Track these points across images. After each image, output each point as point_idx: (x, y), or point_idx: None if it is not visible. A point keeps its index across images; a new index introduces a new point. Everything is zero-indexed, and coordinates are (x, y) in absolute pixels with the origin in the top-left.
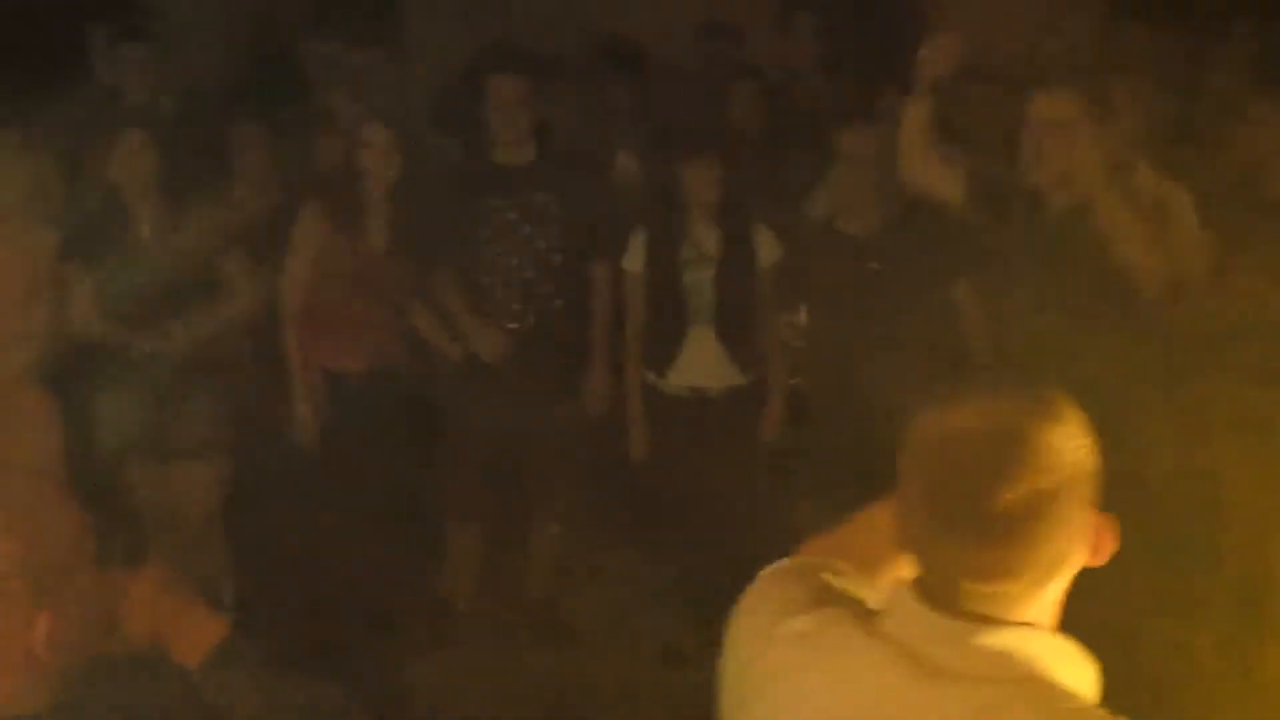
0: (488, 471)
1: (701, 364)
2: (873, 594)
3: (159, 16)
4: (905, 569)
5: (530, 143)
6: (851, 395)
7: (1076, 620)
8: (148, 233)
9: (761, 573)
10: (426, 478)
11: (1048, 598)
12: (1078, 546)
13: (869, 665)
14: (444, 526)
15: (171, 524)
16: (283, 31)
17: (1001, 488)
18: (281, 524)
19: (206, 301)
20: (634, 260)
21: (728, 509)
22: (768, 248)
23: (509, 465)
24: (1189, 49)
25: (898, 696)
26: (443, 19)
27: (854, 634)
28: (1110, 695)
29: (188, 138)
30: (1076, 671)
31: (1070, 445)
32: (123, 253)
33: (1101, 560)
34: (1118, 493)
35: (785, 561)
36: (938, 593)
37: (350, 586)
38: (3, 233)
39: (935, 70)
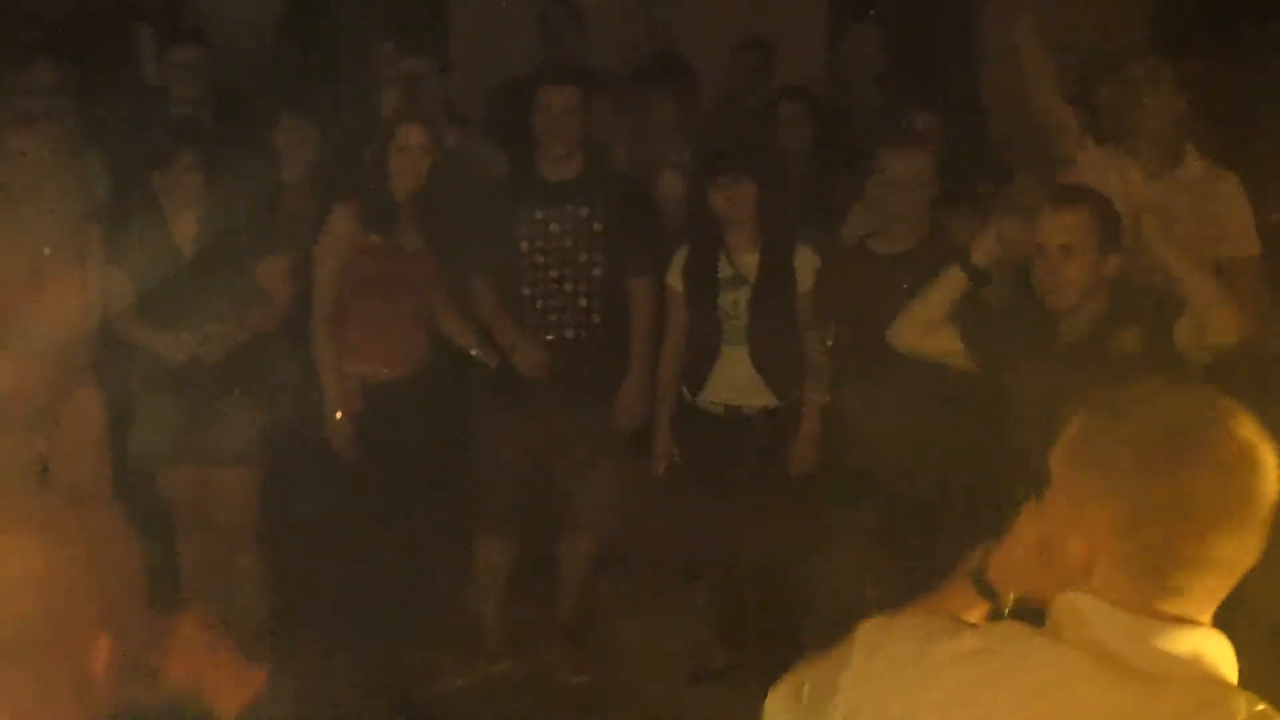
0: (518, 485)
1: (734, 383)
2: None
3: (209, 17)
4: None
5: (578, 156)
6: (880, 415)
7: None
8: (187, 239)
9: (862, 625)
10: (457, 489)
11: (1220, 597)
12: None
13: (1057, 674)
14: (473, 540)
15: (204, 532)
16: (333, 35)
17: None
18: (313, 532)
19: (244, 305)
20: (676, 277)
21: (758, 528)
22: (807, 271)
23: (540, 480)
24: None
25: (1093, 702)
26: (489, 32)
27: (1033, 644)
28: None
29: (231, 140)
30: (1234, 673)
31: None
32: (161, 256)
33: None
34: None
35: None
36: (1129, 594)
37: (383, 597)
38: (46, 230)
39: (988, 255)
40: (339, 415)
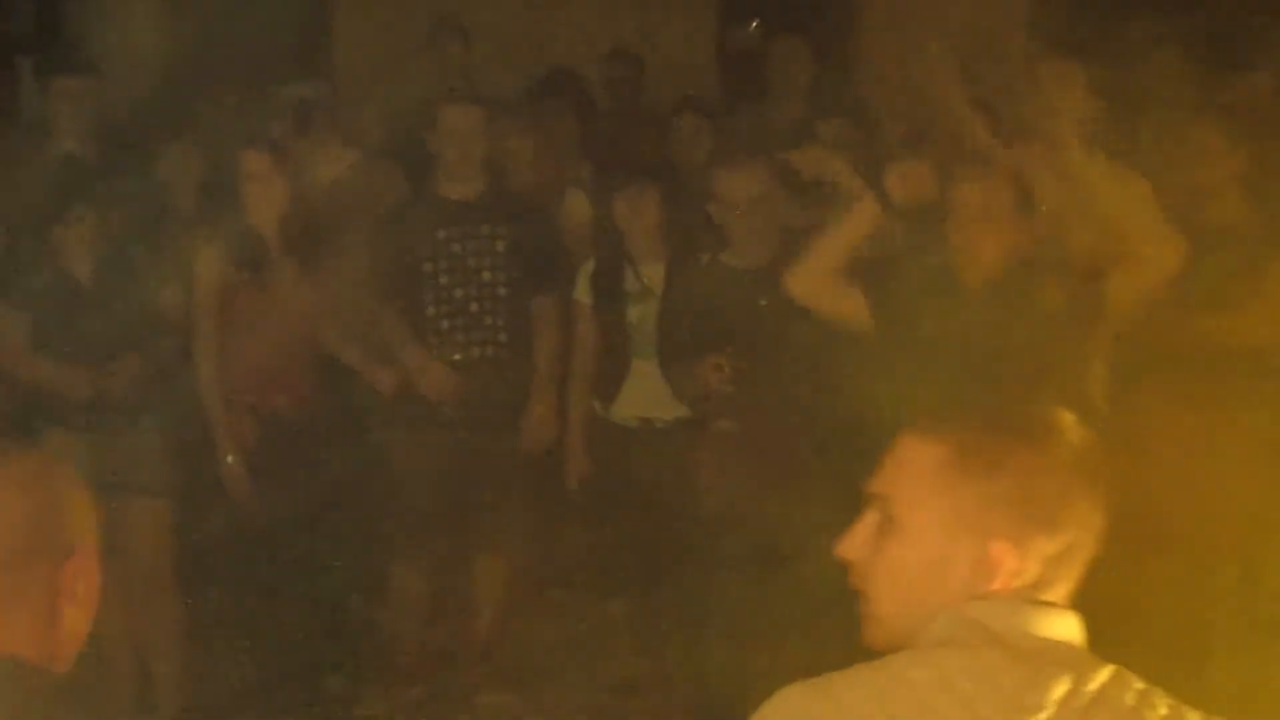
0: (430, 509)
1: (647, 396)
2: None
3: (94, 48)
4: None
5: (479, 175)
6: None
7: None
8: (85, 274)
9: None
10: (367, 516)
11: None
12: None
13: (976, 681)
14: (386, 566)
15: (115, 566)
16: (218, 64)
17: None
18: (227, 561)
19: (147, 338)
20: (583, 292)
21: (676, 538)
22: None
23: (450, 501)
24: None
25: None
26: (377, 55)
27: (940, 655)
28: None
29: (122, 172)
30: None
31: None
32: (59, 293)
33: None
34: None
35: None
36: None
37: (298, 629)
38: None
39: (899, 195)
40: (230, 458)
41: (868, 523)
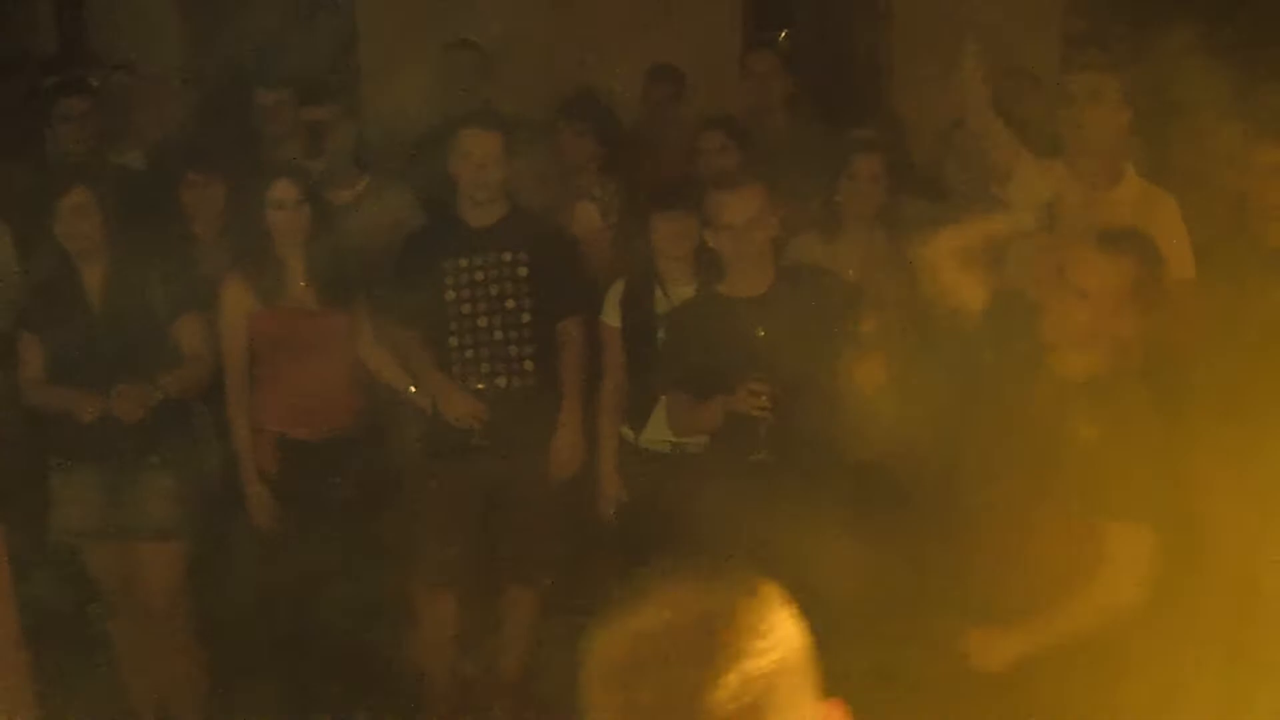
0: (457, 538)
1: None
2: None
3: (122, 69)
4: None
5: (500, 201)
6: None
7: None
8: (98, 295)
9: None
10: (394, 546)
11: None
12: None
13: None
14: (416, 598)
15: (132, 608)
16: (239, 85)
17: (707, 689)
18: (248, 601)
19: (158, 365)
20: (611, 314)
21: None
22: None
23: (480, 531)
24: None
25: None
26: (401, 75)
27: None
28: None
29: (142, 195)
30: None
31: (778, 625)
32: (73, 317)
33: None
34: None
35: None
36: None
37: (323, 660)
38: None
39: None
40: (256, 488)
41: None
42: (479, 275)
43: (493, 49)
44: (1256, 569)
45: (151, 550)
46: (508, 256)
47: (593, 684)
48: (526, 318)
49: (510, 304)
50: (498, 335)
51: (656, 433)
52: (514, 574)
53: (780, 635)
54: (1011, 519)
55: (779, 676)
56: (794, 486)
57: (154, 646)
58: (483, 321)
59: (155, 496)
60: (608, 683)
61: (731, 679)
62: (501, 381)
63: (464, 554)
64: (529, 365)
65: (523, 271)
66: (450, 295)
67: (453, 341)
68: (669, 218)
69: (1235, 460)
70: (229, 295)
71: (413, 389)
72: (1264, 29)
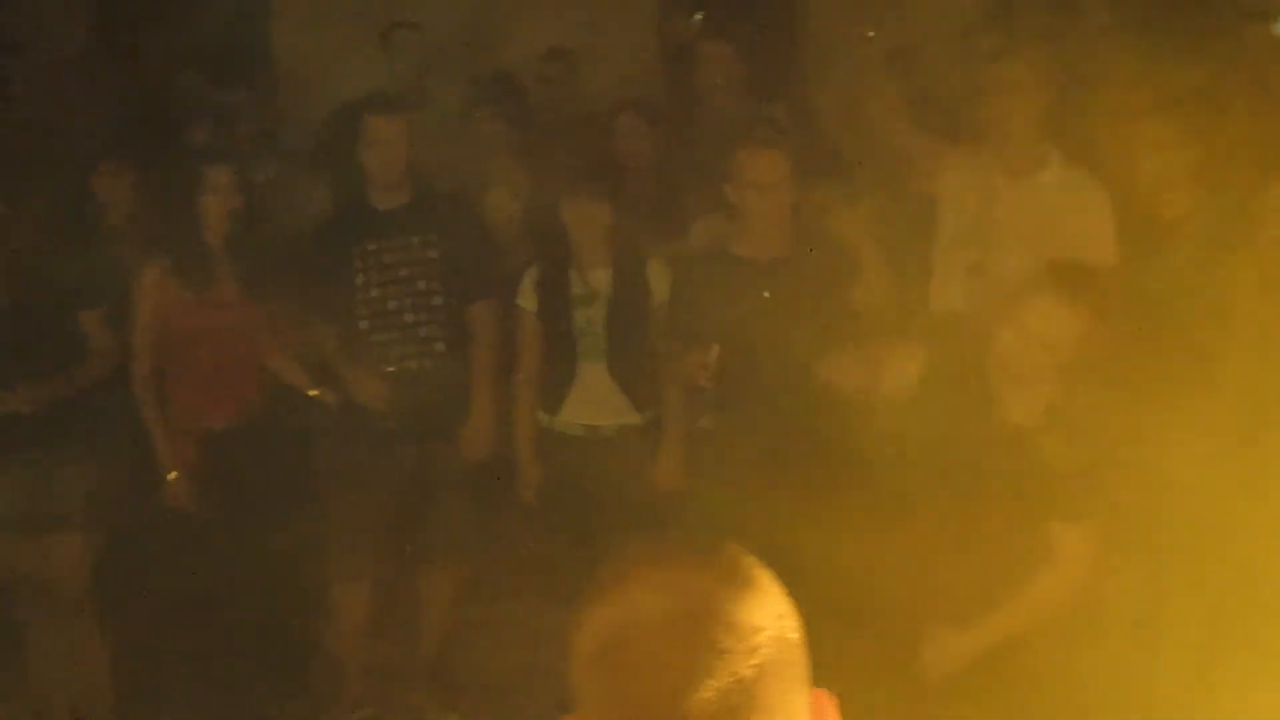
0: (373, 524)
1: (594, 401)
2: None
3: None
4: None
5: (407, 184)
6: (759, 437)
7: None
8: (3, 287)
9: None
10: (308, 533)
11: None
12: None
13: None
14: (330, 585)
15: (44, 600)
16: (152, 68)
17: (695, 685)
18: (163, 592)
19: (65, 360)
20: (527, 298)
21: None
22: (661, 283)
23: (397, 516)
24: None
25: None
26: (314, 59)
27: None
28: None
29: (52, 183)
30: None
31: (770, 616)
32: None
33: None
34: None
35: None
36: None
37: (240, 652)
38: None
39: None
40: (173, 474)
41: None
42: (388, 258)
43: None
44: (1212, 557)
45: (62, 542)
46: (416, 239)
47: (582, 667)
48: (438, 300)
49: (421, 286)
50: (408, 318)
51: (570, 415)
52: (432, 558)
53: (777, 626)
54: (960, 516)
55: (775, 667)
56: (743, 459)
57: (67, 641)
58: (393, 304)
59: (65, 487)
60: (598, 666)
61: (726, 672)
62: (413, 364)
63: (381, 540)
64: (440, 348)
65: (433, 254)
66: (360, 279)
67: (363, 325)
68: (579, 202)
69: (1178, 445)
70: (148, 285)
71: (313, 392)
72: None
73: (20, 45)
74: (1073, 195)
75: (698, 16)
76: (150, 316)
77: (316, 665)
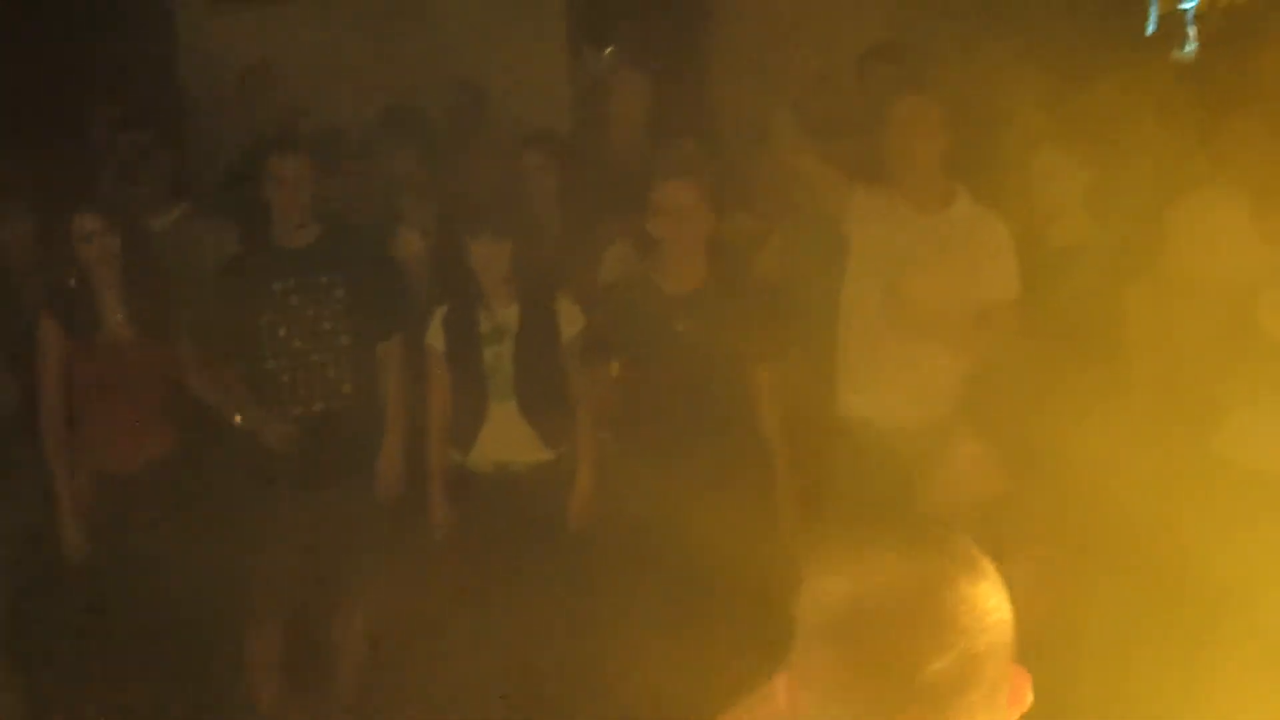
0: (283, 565)
1: (504, 439)
2: None
3: None
4: None
5: (313, 223)
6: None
7: None
8: None
9: None
10: (217, 578)
11: None
12: (1000, 705)
13: None
14: (242, 632)
15: None
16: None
17: (932, 655)
18: (68, 640)
19: None
20: (435, 337)
21: (538, 588)
22: (569, 319)
23: (305, 559)
24: None
25: None
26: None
27: None
28: None
29: None
30: None
31: (995, 601)
32: None
33: (1018, 713)
34: None
35: None
36: None
37: (152, 695)
38: None
39: None
40: (73, 527)
41: None
42: (294, 299)
43: (310, 68)
44: (1135, 553)
45: None
46: (323, 279)
47: (810, 636)
48: (345, 340)
49: (327, 326)
50: (314, 358)
51: (482, 453)
52: (344, 600)
53: (1003, 608)
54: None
55: (999, 645)
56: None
57: None
58: (298, 344)
59: None
60: (834, 636)
61: (963, 646)
62: (319, 405)
63: (291, 581)
64: (347, 389)
65: (339, 293)
66: (265, 319)
67: (270, 365)
68: (482, 241)
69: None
70: (42, 336)
71: (238, 419)
72: (1073, 38)
73: None
74: (976, 231)
75: (609, 50)
76: (50, 367)
77: (232, 711)
